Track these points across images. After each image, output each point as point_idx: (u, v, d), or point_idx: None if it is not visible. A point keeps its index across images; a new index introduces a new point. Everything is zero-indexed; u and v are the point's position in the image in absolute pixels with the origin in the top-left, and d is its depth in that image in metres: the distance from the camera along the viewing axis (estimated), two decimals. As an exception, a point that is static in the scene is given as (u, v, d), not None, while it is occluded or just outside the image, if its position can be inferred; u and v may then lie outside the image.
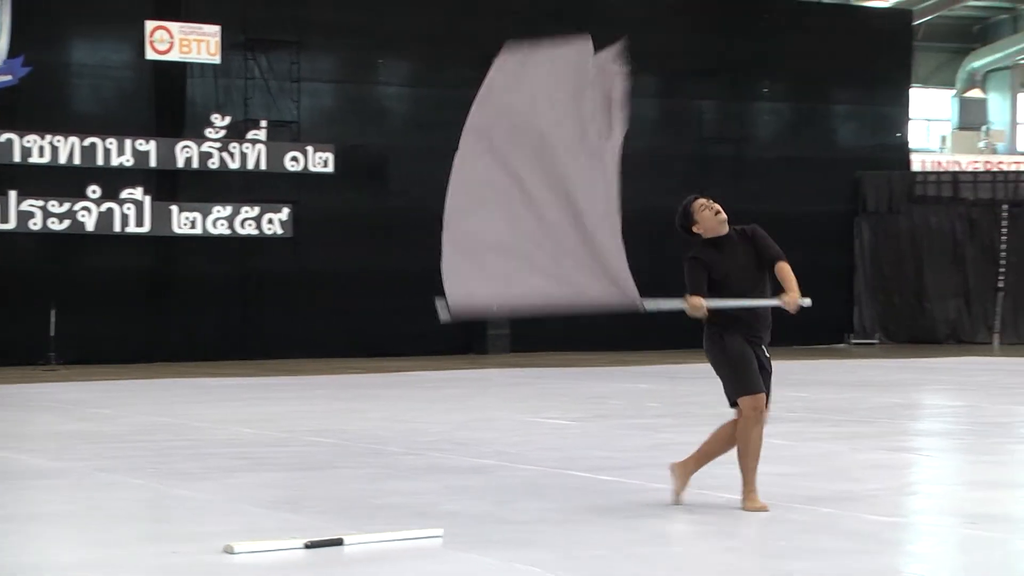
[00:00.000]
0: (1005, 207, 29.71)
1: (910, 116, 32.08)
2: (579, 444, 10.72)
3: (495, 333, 26.07)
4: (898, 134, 31.10)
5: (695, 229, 7.43)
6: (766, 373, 7.34)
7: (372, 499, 7.84)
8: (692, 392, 16.38)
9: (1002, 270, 29.52)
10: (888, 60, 30.75)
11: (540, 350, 25.85)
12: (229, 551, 6.15)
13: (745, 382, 7.26)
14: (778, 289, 7.29)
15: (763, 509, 7.15)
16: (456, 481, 8.58)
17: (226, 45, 24.18)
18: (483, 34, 27.09)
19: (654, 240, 28.13)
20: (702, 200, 7.44)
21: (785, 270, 7.34)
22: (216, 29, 23.90)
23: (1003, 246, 29.53)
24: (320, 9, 25.86)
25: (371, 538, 6.43)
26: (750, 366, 7.26)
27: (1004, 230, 29.58)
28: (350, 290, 25.54)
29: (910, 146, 32.45)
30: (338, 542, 6.33)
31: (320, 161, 24.82)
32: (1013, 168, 35.94)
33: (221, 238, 24.29)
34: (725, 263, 7.30)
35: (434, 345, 25.66)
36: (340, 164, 24.99)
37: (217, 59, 23.99)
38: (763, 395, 7.28)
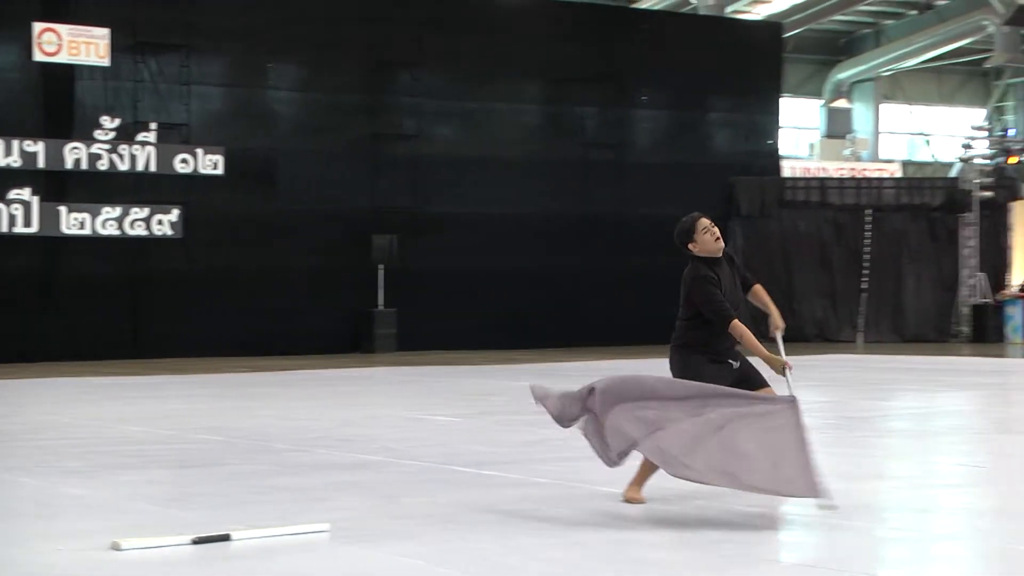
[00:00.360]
0: (869, 212, 30.35)
1: (780, 124, 32.61)
2: (463, 440, 10.72)
3: (382, 332, 25.99)
4: (769, 141, 31.60)
5: (691, 246, 7.49)
6: (745, 375, 7.34)
7: (259, 495, 7.76)
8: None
9: (866, 272, 30.16)
10: (760, 70, 31.23)
11: (426, 349, 25.82)
12: (116, 548, 6.04)
13: None
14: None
15: (640, 501, 7.22)
16: (342, 477, 8.53)
17: (115, 48, 23.77)
18: (371, 40, 27.04)
19: (541, 241, 28.34)
20: (705, 222, 7.50)
21: (763, 292, 7.49)
22: (105, 32, 23.48)
23: (867, 249, 30.16)
24: (210, 13, 25.54)
25: (258, 533, 6.36)
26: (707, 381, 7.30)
27: (868, 234, 30.22)
28: (239, 290, 25.27)
29: (780, 153, 32.99)
30: (225, 537, 6.25)
31: (210, 163, 24.52)
32: (876, 175, 36.74)
33: (110, 239, 23.89)
34: (724, 282, 7.37)
35: (322, 344, 25.50)
36: (230, 166, 24.72)
37: (106, 62, 23.58)
38: None
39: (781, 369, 7.12)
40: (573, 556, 5.90)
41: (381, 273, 26.10)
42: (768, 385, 7.39)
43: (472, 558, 5.88)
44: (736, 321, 7.17)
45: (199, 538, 6.19)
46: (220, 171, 24.60)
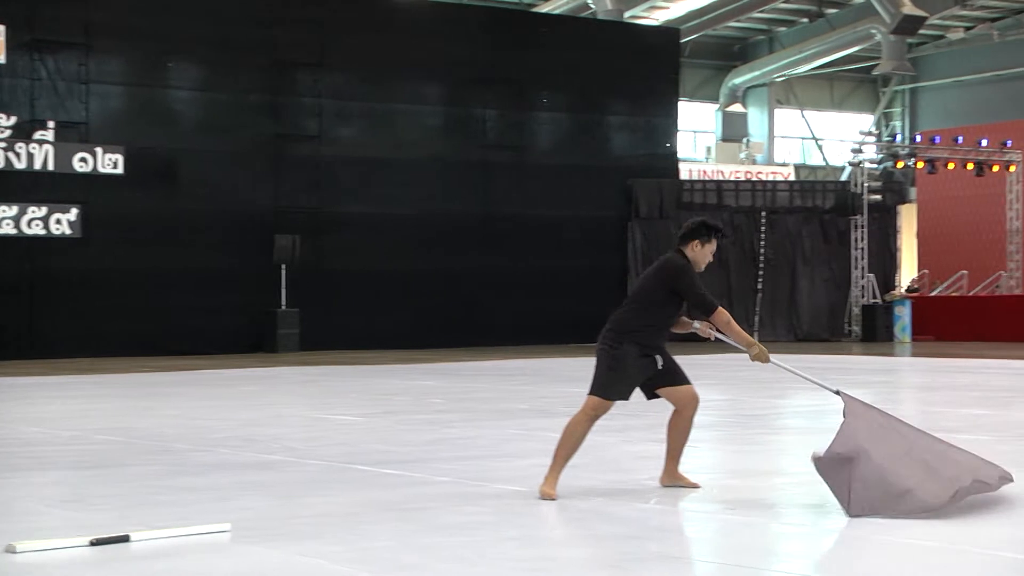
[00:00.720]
0: (764, 214, 30.76)
1: (678, 128, 32.94)
2: (365, 439, 10.66)
3: (285, 332, 25.78)
4: (667, 144, 31.90)
5: (691, 247, 7.62)
6: (669, 371, 7.49)
7: (159, 495, 7.64)
8: (474, 388, 16.48)
9: (761, 272, 30.56)
10: (658, 75, 31.52)
11: (329, 348, 25.67)
12: (11, 550, 5.90)
13: (608, 388, 7.36)
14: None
15: (550, 497, 7.22)
16: (244, 477, 8.43)
17: (11, 45, 23.33)
18: (273, 41, 26.80)
19: (443, 242, 28.30)
20: (716, 243, 7.65)
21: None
22: (1, 29, 23.01)
23: (762, 250, 30.57)
24: (109, 12, 25.15)
25: (158, 534, 6.26)
26: (625, 380, 7.36)
27: (763, 235, 30.62)
28: (140, 290, 24.92)
29: (678, 156, 33.32)
30: (124, 539, 6.14)
31: (110, 162, 24.14)
32: (771, 178, 37.25)
33: (7, 238, 23.42)
34: None
35: (225, 344, 25.24)
36: (130, 165, 24.35)
37: (1, 59, 23.11)
38: (611, 405, 7.39)
39: (765, 357, 7.37)
40: (476, 554, 5.89)
41: (284, 273, 25.88)
42: (690, 383, 7.55)
43: (374, 557, 5.85)
44: (721, 308, 7.38)
45: (98, 539, 6.07)
46: (120, 170, 24.22)
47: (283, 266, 25.85)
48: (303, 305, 26.07)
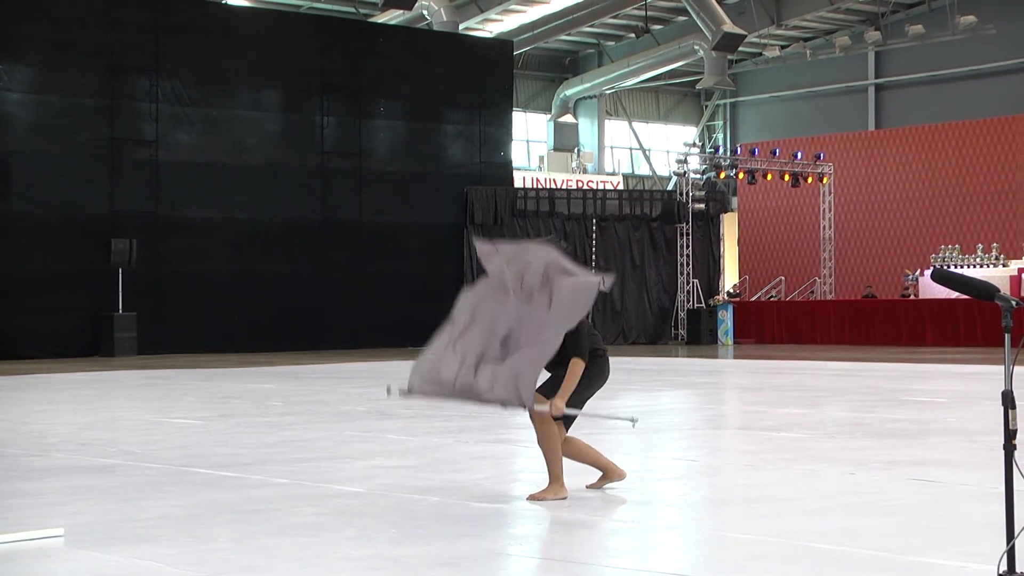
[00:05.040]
0: (595, 221, 31.14)
1: (512, 137, 33.13)
2: (204, 442, 10.44)
3: (122, 336, 25.14)
4: (502, 153, 32.06)
5: None
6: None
7: (-8, 502, 7.35)
8: (315, 391, 16.30)
9: (592, 278, 30.88)
10: (492, 85, 31.68)
11: (167, 352, 25.13)
12: None
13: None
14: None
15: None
16: (80, 481, 8.17)
17: None
18: (108, 44, 26.12)
19: (282, 246, 27.92)
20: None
21: None
22: None
23: (593, 256, 30.94)
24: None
25: (-10, 541, 6.02)
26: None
27: (594, 242, 31.00)
28: (-29, 293, 24.04)
29: (512, 164, 33.52)
30: (-45, 546, 5.89)
31: (-60, 164, 23.23)
32: (601, 187, 37.73)
33: None
34: None
35: (60, 347, 24.51)
36: (-39, 168, 23.48)
37: None
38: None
39: None
40: (315, 554, 5.80)
41: (120, 277, 25.23)
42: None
43: (213, 559, 5.71)
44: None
45: (-74, 548, 5.81)
46: (-49, 172, 23.34)
47: (120, 269, 25.21)
48: (140, 309, 25.46)
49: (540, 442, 7.29)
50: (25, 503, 7.29)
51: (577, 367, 7.08)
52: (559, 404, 7.10)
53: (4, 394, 15.94)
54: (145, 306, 25.56)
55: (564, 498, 7.16)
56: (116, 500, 7.38)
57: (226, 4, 32.03)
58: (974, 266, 30.99)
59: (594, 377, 7.29)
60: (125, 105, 26.48)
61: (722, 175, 32.69)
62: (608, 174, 44.87)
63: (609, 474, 7.53)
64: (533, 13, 39.79)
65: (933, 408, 13.21)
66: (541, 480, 7.59)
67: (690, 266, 31.50)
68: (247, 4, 35.00)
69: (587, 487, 7.51)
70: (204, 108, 27.44)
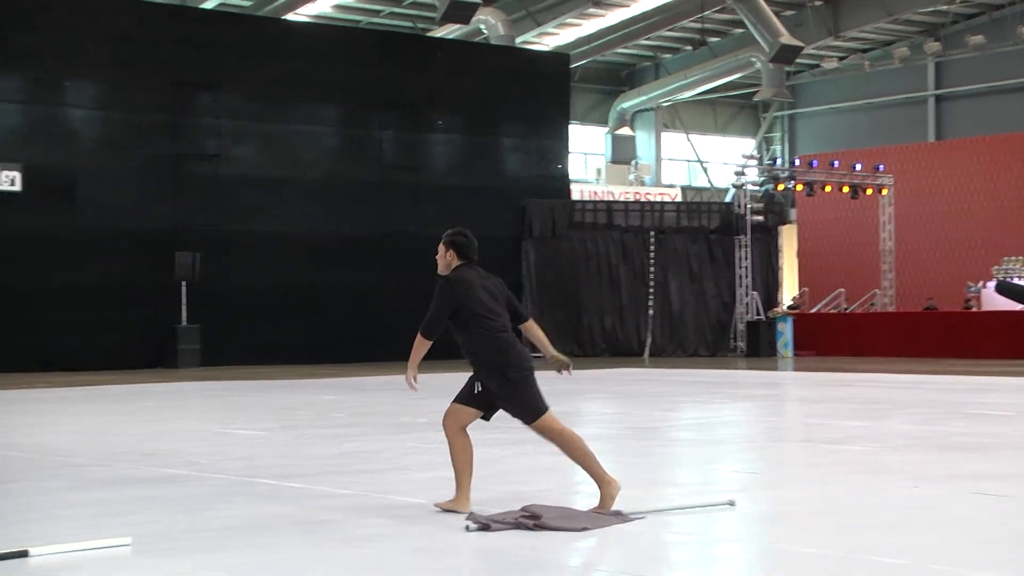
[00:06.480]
0: (652, 233, 31.05)
1: (569, 150, 33.14)
2: (267, 453, 10.51)
3: (185, 347, 25.39)
4: (559, 166, 32.07)
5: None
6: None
7: (60, 511, 7.44)
8: (375, 402, 16.36)
9: (651, 290, 30.83)
10: (549, 99, 31.70)
11: (230, 364, 25.33)
12: (-90, 568, 5.70)
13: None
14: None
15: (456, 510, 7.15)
16: (146, 491, 8.25)
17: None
18: (171, 61, 26.43)
19: (341, 260, 28.08)
20: (446, 249, 8.12)
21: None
22: None
23: (651, 268, 30.85)
24: (6, 30, 24.64)
25: (57, 548, 6.09)
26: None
27: (652, 254, 30.90)
28: (40, 306, 24.39)
29: (570, 177, 33.51)
30: (23, 554, 5.96)
31: (7, 180, 23.63)
32: (658, 199, 37.61)
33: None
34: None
35: (125, 360, 24.78)
36: (27, 183, 23.87)
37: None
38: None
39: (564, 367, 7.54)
40: (376, 564, 5.82)
41: (184, 289, 25.49)
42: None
43: (276, 570, 5.75)
44: (420, 336, 7.79)
45: (-3, 556, 5.89)
46: (18, 187, 23.74)
47: (183, 283, 25.47)
48: (204, 321, 25.70)
49: (566, 452, 7.45)
50: (92, 512, 7.37)
51: (419, 339, 7.54)
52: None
53: (70, 405, 16.15)
54: (208, 318, 25.79)
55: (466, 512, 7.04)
56: (181, 510, 7.44)
57: (285, 20, 32.30)
58: (1037, 278, 30.54)
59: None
60: (187, 120, 26.78)
61: (780, 187, 32.47)
62: (666, 186, 44.73)
63: (602, 484, 7.34)
64: (590, 26, 39.79)
65: (997, 421, 13.03)
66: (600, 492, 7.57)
67: (749, 278, 31.31)
68: (306, 20, 35.29)
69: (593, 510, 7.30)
70: (264, 123, 27.68)
